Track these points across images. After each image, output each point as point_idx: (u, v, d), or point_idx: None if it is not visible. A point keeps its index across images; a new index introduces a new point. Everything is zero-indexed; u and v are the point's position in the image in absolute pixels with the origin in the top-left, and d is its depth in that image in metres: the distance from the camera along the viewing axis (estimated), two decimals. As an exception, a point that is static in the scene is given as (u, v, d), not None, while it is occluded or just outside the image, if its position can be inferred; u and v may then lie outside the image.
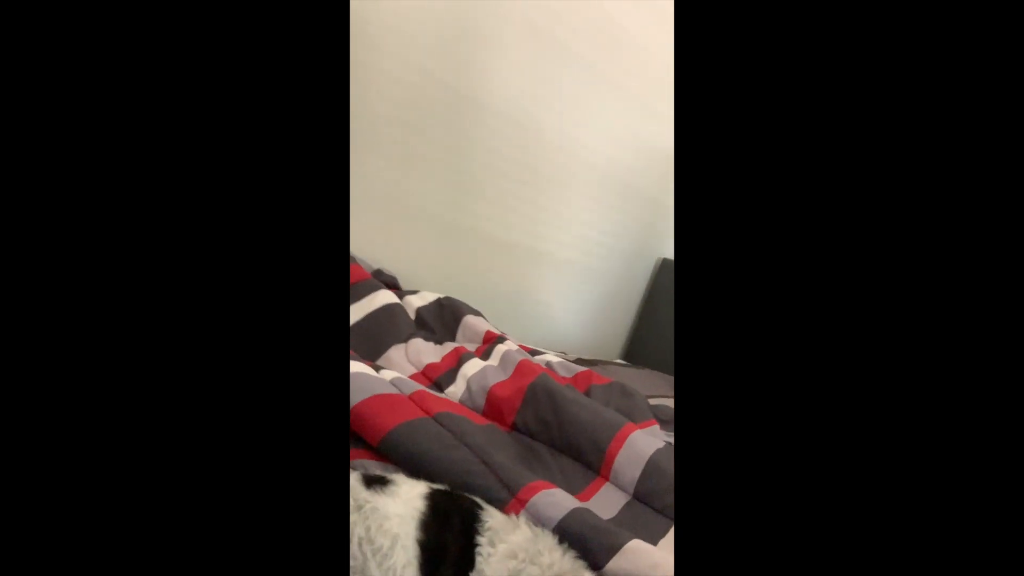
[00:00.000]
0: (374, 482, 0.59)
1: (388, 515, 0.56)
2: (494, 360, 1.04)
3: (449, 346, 1.11)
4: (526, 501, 0.64)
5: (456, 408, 0.81)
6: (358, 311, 1.09)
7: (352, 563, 0.51)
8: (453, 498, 0.61)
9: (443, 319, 1.24)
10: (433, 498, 0.60)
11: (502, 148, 1.60)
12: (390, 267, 1.37)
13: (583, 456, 0.82)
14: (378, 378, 0.79)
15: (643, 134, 1.97)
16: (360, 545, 0.53)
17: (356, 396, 0.73)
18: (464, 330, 1.20)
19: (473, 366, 0.99)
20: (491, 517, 0.60)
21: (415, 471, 0.66)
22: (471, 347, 1.13)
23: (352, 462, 0.71)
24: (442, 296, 1.32)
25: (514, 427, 0.89)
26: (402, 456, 0.68)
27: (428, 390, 0.83)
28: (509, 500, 0.65)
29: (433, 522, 0.57)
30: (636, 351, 2.35)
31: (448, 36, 1.36)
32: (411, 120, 1.37)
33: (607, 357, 2.14)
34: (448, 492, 0.62)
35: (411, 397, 0.78)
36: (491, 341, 1.14)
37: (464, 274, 1.68)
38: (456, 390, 0.95)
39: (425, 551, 0.55)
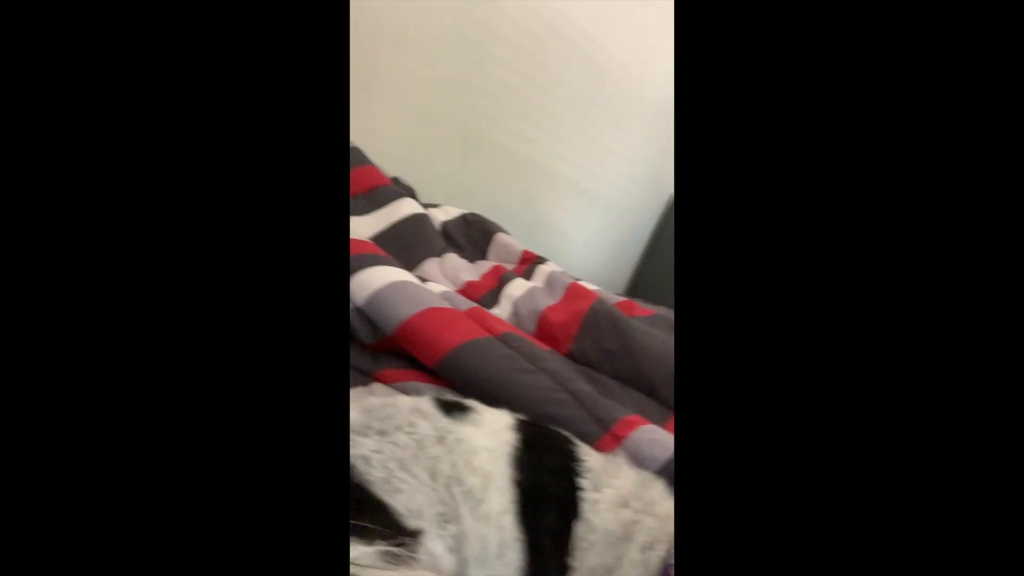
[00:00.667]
0: (453, 408, 0.47)
1: (475, 449, 0.45)
2: (538, 281, 0.92)
3: (485, 264, 0.98)
4: (622, 437, 0.54)
5: (519, 331, 0.69)
6: (381, 219, 0.95)
7: (440, 508, 0.40)
8: (544, 431, 0.51)
9: (470, 236, 1.11)
10: (523, 430, 0.48)
11: (527, 48, 1.42)
12: (395, 171, 1.21)
13: (656, 391, 0.72)
14: (428, 290, 0.67)
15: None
16: (448, 486, 0.42)
17: (408, 308, 0.61)
18: (496, 248, 1.07)
19: (518, 287, 0.87)
20: (588, 455, 0.50)
21: (484, 398, 0.54)
22: (509, 267, 1.00)
23: (405, 385, 0.59)
24: (467, 212, 1.18)
25: (570, 356, 0.78)
26: (468, 379, 0.57)
27: (483, 307, 0.71)
28: (601, 435, 0.54)
29: (528, 459, 0.46)
30: (639, 289, 2.26)
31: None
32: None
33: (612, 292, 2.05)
34: (536, 424, 0.51)
35: (468, 314, 0.66)
36: (530, 261, 1.02)
37: (476, 188, 1.53)
38: (501, 312, 0.83)
39: (523, 494, 0.44)
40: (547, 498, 0.45)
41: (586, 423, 0.55)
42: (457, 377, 0.58)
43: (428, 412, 0.46)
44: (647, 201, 2.16)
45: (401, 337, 0.60)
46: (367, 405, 0.45)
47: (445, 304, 0.65)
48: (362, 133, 1.16)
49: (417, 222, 0.95)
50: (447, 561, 0.38)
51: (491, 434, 0.47)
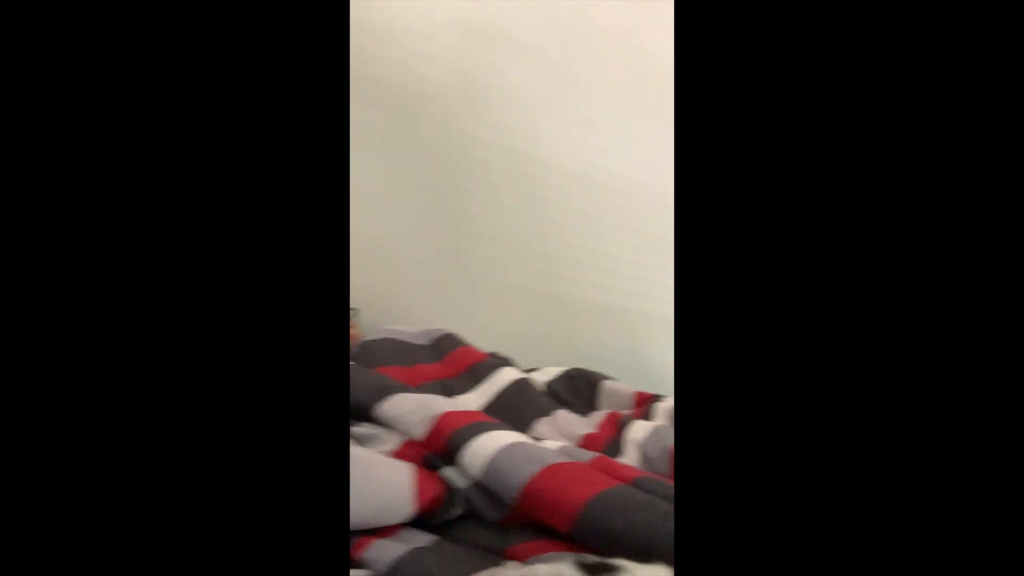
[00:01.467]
0: (598, 571, 0.41)
1: (636, 616, 0.37)
2: (660, 419, 0.85)
3: (598, 415, 0.93)
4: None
5: (652, 474, 0.62)
6: (484, 392, 0.95)
7: None
8: (713, 583, 0.42)
9: (576, 390, 1.07)
10: (687, 585, 0.40)
11: (585, 209, 1.52)
12: (493, 347, 1.25)
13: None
14: (545, 447, 0.63)
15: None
16: (614, 667, 0.34)
17: (527, 469, 0.57)
18: (606, 396, 1.02)
19: (640, 429, 0.81)
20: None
21: (630, 554, 0.47)
22: (624, 412, 0.94)
23: (541, 558, 0.53)
24: (567, 368, 1.16)
25: (720, 493, 0.67)
26: (608, 536, 0.50)
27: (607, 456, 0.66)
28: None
29: (702, 621, 0.38)
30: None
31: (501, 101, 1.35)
32: (473, 190, 1.33)
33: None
34: None
35: (592, 464, 0.61)
36: (647, 402, 0.95)
37: (575, 346, 1.55)
38: (628, 461, 0.76)
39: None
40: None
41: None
42: (595, 536, 0.51)
43: (571, 580, 0.40)
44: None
45: (526, 502, 0.55)
46: (501, 579, 0.40)
47: (565, 459, 0.61)
48: (461, 320, 1.24)
49: (520, 386, 0.94)
50: None
51: (650, 595, 0.39)
